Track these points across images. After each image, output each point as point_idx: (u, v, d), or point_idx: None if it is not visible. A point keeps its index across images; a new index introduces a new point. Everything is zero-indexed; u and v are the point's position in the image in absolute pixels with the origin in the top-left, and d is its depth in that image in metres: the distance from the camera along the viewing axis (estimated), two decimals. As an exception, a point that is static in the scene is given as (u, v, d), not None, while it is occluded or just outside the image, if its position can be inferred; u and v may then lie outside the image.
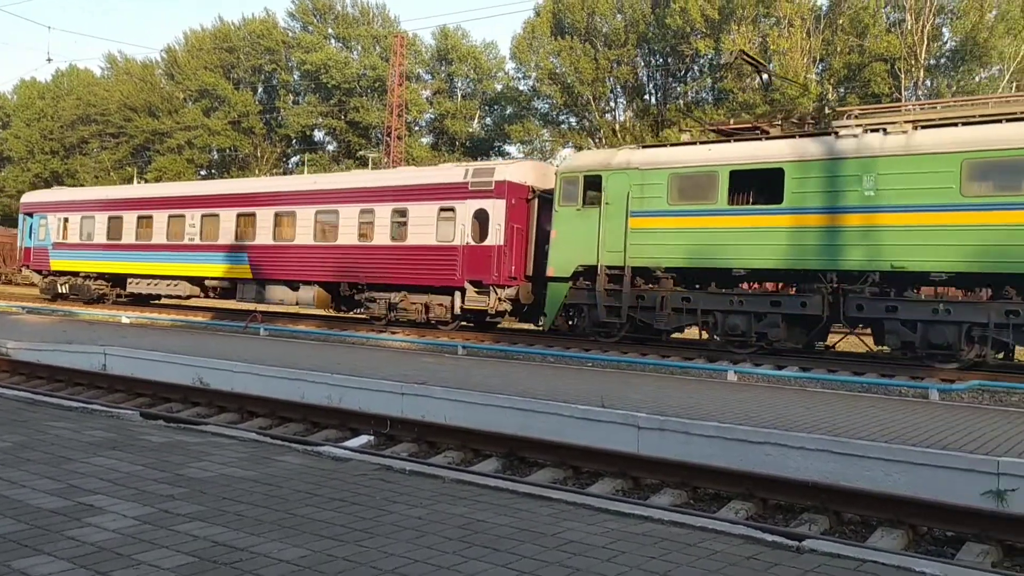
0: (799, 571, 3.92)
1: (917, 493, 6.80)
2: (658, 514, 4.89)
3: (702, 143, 17.20)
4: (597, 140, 47.06)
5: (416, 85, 56.55)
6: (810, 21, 37.25)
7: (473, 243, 19.52)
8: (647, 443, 8.45)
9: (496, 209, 19.22)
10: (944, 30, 36.35)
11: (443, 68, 57.51)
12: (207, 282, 25.25)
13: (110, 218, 27.79)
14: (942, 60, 36.43)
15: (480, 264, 19.30)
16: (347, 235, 21.79)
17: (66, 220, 29.25)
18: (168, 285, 26.39)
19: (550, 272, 18.04)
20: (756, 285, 17.22)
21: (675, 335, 18.08)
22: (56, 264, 29.60)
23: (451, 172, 20.88)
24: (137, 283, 27.38)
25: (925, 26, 34.70)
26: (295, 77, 60.94)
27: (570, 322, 18.59)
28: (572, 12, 44.86)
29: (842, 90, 38.02)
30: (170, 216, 26.13)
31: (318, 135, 62.85)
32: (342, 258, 21.77)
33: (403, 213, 20.81)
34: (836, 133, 15.19)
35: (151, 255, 26.43)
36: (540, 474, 8.04)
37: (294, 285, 22.89)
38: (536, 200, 19.63)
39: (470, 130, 55.40)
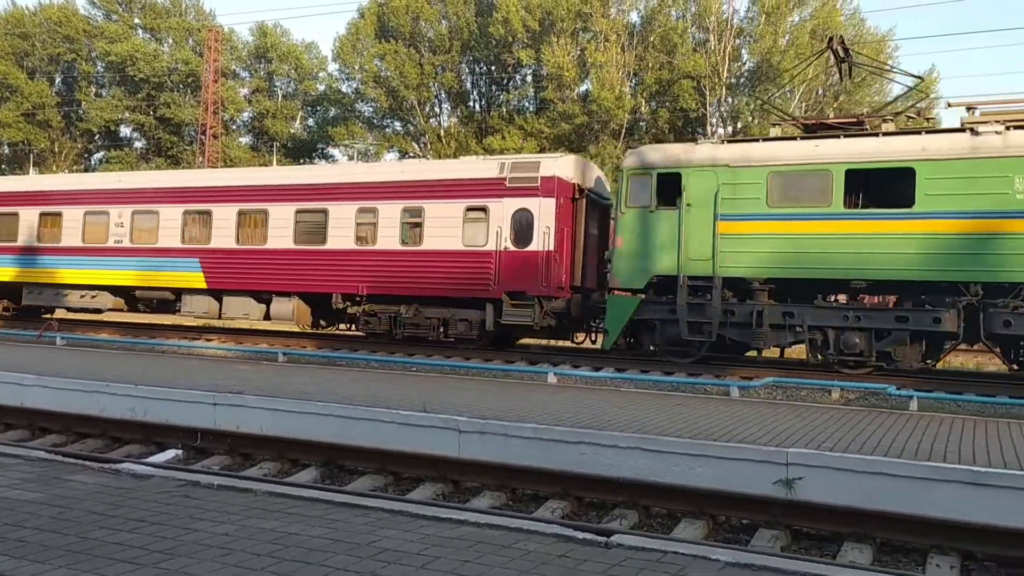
0: (606, 565, 4.07)
1: (718, 485, 7.24)
2: (474, 517, 4.93)
3: (804, 138, 15.10)
4: (422, 145, 47.12)
5: (233, 83, 54.38)
6: (624, 37, 39.02)
7: (513, 248, 17.04)
8: (468, 446, 8.51)
9: (543, 209, 16.87)
10: (743, 52, 39.18)
11: (262, 66, 55.66)
12: (139, 293, 21.57)
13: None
14: (741, 79, 39.22)
15: (522, 272, 16.87)
16: (340, 238, 18.70)
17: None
18: (82, 296, 22.30)
19: (614, 283, 15.99)
20: (864, 298, 15.33)
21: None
22: None
23: (480, 166, 18.14)
24: (38, 293, 23.00)
25: (727, 47, 37.27)
26: (98, 68, 56.97)
27: (629, 340, 16.52)
28: (397, 16, 44.68)
29: (654, 104, 40.06)
30: (87, 213, 22.01)
31: (124, 131, 59.04)
32: (334, 265, 18.70)
33: (417, 212, 17.96)
34: (973, 130, 13.55)
35: (59, 260, 22.30)
36: (360, 482, 7.92)
37: (262, 296, 19.76)
38: (584, 200, 17.68)
39: (291, 131, 53.92)
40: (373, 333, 18.68)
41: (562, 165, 17.29)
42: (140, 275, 21.07)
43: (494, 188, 17.30)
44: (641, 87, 39.75)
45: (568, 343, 19.05)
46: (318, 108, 54.71)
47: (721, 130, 39.29)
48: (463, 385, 12.58)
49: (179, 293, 20.81)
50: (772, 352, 17.40)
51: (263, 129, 54.30)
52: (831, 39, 16.70)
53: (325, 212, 18.86)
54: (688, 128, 39.85)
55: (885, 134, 14.37)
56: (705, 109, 37.72)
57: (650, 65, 39.02)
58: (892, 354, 14.00)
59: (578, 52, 39.66)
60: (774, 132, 15.85)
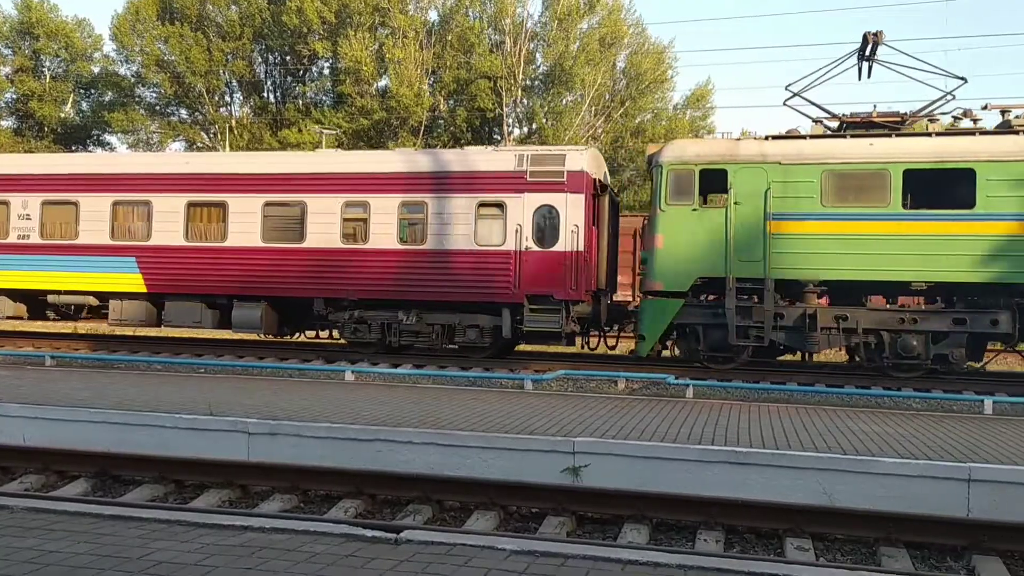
0: (395, 561, 4.06)
1: (510, 476, 7.44)
2: (259, 522, 4.77)
3: (854, 136, 14.62)
4: (211, 135, 44.82)
5: (-8, 60, 49.17)
6: (423, 35, 39.08)
7: (536, 248, 15.82)
8: (258, 449, 8.21)
9: (571, 206, 15.73)
10: (537, 55, 40.38)
11: (27, 43, 50.74)
12: (52, 298, 18.41)
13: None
14: (536, 82, 40.42)
15: (547, 274, 15.69)
16: (323, 235, 16.70)
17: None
18: None
19: (653, 285, 14.86)
20: (908, 301, 15.09)
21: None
22: None
23: (494, 157, 16.58)
24: None
25: (522, 50, 38.27)
26: None
27: (664, 345, 15.61)
28: (182, -3, 42.21)
29: (452, 102, 40.42)
30: None
31: None
32: (315, 265, 16.64)
33: (418, 208, 16.33)
34: None
35: None
36: (136, 492, 7.43)
37: (214, 301, 17.24)
38: (607, 196, 16.79)
39: (62, 115, 49.57)
40: (361, 343, 16.83)
41: (587, 158, 16.21)
42: (53, 276, 17.89)
43: (512, 182, 16.01)
44: (440, 85, 39.96)
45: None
46: (92, 91, 50.65)
47: (517, 130, 40.30)
48: (255, 385, 12.12)
49: (105, 298, 17.86)
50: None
51: (28, 112, 49.56)
52: (875, 34, 15.41)
53: (303, 205, 16.78)
54: (485, 128, 40.53)
55: (938, 134, 14.24)
56: (502, 110, 38.54)
57: (448, 64, 39.31)
58: (949, 356, 13.88)
59: (376, 47, 39.29)
60: (815, 129, 15.18)
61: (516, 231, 15.85)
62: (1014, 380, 14.73)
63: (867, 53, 15.77)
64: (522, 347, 19.10)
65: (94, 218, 17.74)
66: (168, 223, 17.36)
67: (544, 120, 38.25)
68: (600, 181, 16.46)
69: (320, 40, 40.42)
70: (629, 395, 12.61)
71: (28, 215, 18.17)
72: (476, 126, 39.84)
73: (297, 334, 18.68)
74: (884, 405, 12.15)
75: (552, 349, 18.03)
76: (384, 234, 16.41)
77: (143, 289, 17.36)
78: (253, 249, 16.92)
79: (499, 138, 39.33)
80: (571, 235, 15.65)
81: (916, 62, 15.06)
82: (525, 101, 39.79)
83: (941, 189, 13.91)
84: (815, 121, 15.34)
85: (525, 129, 40.49)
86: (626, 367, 15.25)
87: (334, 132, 33.04)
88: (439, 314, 16.29)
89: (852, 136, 14.59)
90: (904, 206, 13.80)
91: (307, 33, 40.76)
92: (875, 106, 15.43)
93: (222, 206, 17.15)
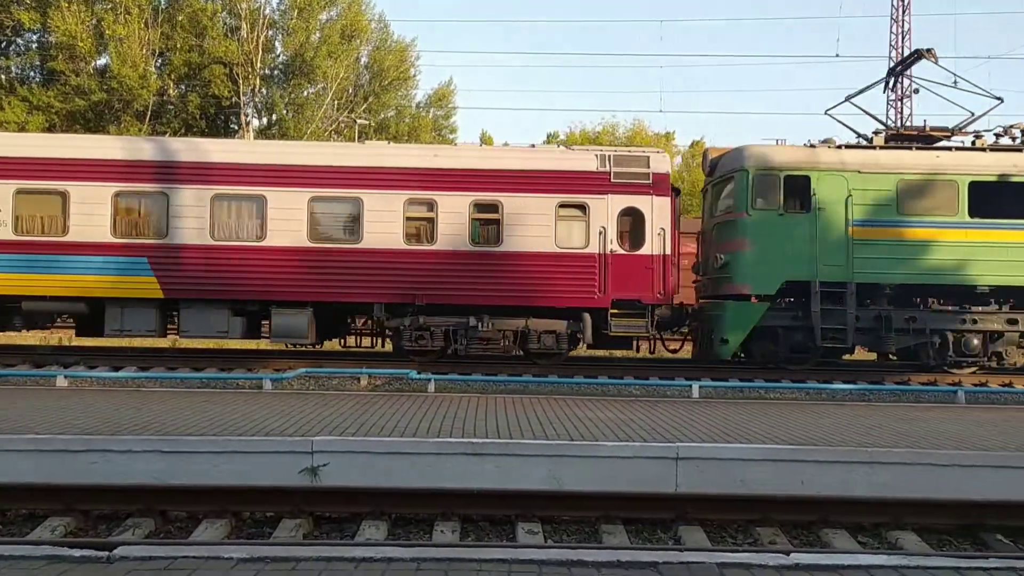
0: (107, 582, 3.74)
1: (242, 481, 7.12)
2: (-60, 552, 4.19)
3: (919, 148, 15.72)
4: None
5: None
6: (148, 12, 36.34)
7: (621, 251, 15.47)
8: (-56, 469, 7.21)
9: (657, 208, 15.55)
10: (277, 44, 39.03)
11: None
12: (28, 305, 15.20)
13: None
14: (275, 72, 39.06)
15: (634, 278, 15.38)
16: (383, 234, 15.27)
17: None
18: None
19: (743, 289, 15.21)
20: (933, 302, 15.94)
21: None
22: None
23: (575, 157, 15.91)
24: None
25: (260, 37, 36.79)
26: None
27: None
28: None
29: (183, 87, 38.00)
30: None
31: None
32: (374, 268, 15.25)
33: (492, 208, 15.44)
34: None
35: None
36: None
37: (245, 308, 15.31)
38: (679, 198, 16.33)
39: None
40: (423, 351, 15.59)
41: (668, 161, 16.29)
42: (38, 280, 14.95)
43: (595, 183, 15.58)
44: (169, 68, 37.39)
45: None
46: None
47: (256, 121, 38.72)
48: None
49: (102, 304, 15.22)
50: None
51: None
52: (925, 52, 17.02)
53: (358, 202, 15.38)
54: (221, 117, 38.53)
55: (994, 149, 15.80)
56: (239, 98, 36.83)
57: (179, 46, 36.88)
58: (1003, 354, 15.26)
59: (94, 22, 35.95)
60: (877, 140, 16.19)
61: (600, 233, 15.52)
62: (713, 367, 16.44)
63: (902, 68, 17.47)
64: (263, 345, 18.39)
65: (92, 212, 15.09)
66: (191, 218, 15.20)
67: (285, 111, 37.05)
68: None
69: (27, 10, 36.31)
70: (372, 392, 12.55)
71: None
72: (211, 114, 37.75)
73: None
74: (609, 392, 13.05)
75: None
76: (454, 234, 15.47)
77: (158, 294, 15.14)
78: (298, 249, 15.28)
79: (236, 128, 37.58)
80: (657, 238, 15.56)
81: (955, 80, 16.83)
82: (264, 91, 38.30)
83: (1003, 200, 15.25)
84: (874, 133, 16.55)
85: (264, 120, 38.99)
86: (370, 364, 15.16)
87: None
88: (508, 319, 15.60)
89: (918, 148, 15.82)
90: (970, 215, 15.13)
91: (10, 3, 36.47)
92: (925, 121, 17.26)
93: (260, 200, 15.33)
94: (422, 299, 15.34)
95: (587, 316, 15.53)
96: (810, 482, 7.24)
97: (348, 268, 15.34)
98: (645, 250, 15.55)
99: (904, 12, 34.35)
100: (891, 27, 34.58)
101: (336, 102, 38.77)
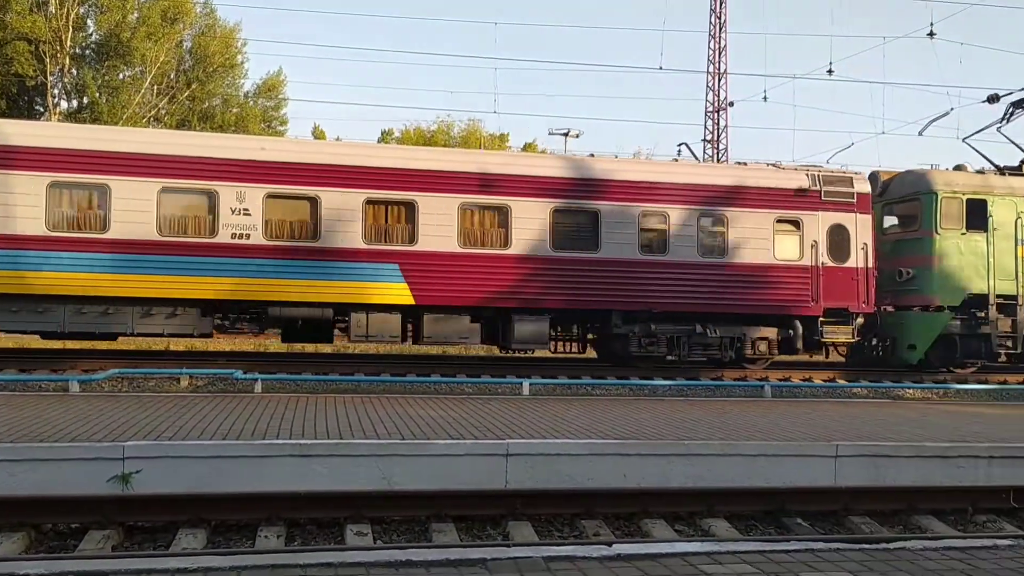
0: None
1: (43, 491, 6.58)
2: None
3: None
4: None
5: None
6: (-60, -20, 32.98)
7: (830, 263, 16.74)
8: None
9: (860, 225, 17.00)
10: (89, 22, 36.40)
11: None
12: (275, 311, 14.89)
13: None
14: (88, 51, 36.42)
15: (842, 289, 16.74)
16: (620, 244, 15.89)
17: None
18: (147, 315, 14.45)
19: (931, 300, 17.05)
20: None
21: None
22: None
23: (786, 175, 17.01)
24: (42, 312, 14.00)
25: (70, 13, 34.17)
26: None
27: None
28: None
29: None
30: (163, 190, 14.31)
31: None
32: (611, 277, 15.83)
33: (719, 221, 16.44)
34: None
35: (101, 260, 14.02)
36: None
37: (478, 314, 15.62)
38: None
39: None
40: (648, 356, 16.28)
41: (867, 183, 17.58)
42: (279, 284, 14.63)
43: (807, 201, 16.80)
44: (-36, 42, 34.09)
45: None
46: None
47: (64, 103, 36.00)
48: None
49: (347, 310, 15.12)
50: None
51: None
52: None
53: (596, 214, 15.86)
54: (24, 97, 35.52)
55: None
56: (46, 78, 34.08)
57: (-24, 19, 33.70)
58: None
59: None
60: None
61: (812, 247, 16.70)
62: (545, 363, 16.84)
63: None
64: (71, 345, 17.19)
65: (340, 217, 14.94)
66: (438, 226, 15.31)
67: (98, 95, 34.61)
68: None
69: None
70: (193, 393, 11.96)
71: (244, 209, 14.61)
72: (13, 94, 34.73)
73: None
74: (442, 390, 13.08)
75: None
76: (684, 246, 16.19)
77: (409, 300, 15.18)
78: (541, 258, 15.66)
79: (42, 110, 34.79)
80: (860, 252, 16.93)
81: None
82: (75, 71, 35.65)
83: None
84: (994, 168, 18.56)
85: (75, 103, 36.31)
86: (190, 363, 14.44)
87: None
88: (725, 326, 16.41)
89: None
90: None
91: None
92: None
93: (503, 211, 15.61)
94: (657, 307, 16.12)
95: (798, 323, 16.74)
96: (631, 474, 7.54)
97: (588, 277, 15.87)
98: (850, 263, 16.95)
99: (721, 30, 36.48)
100: (709, 43, 36.65)
101: (156, 87, 36.63)
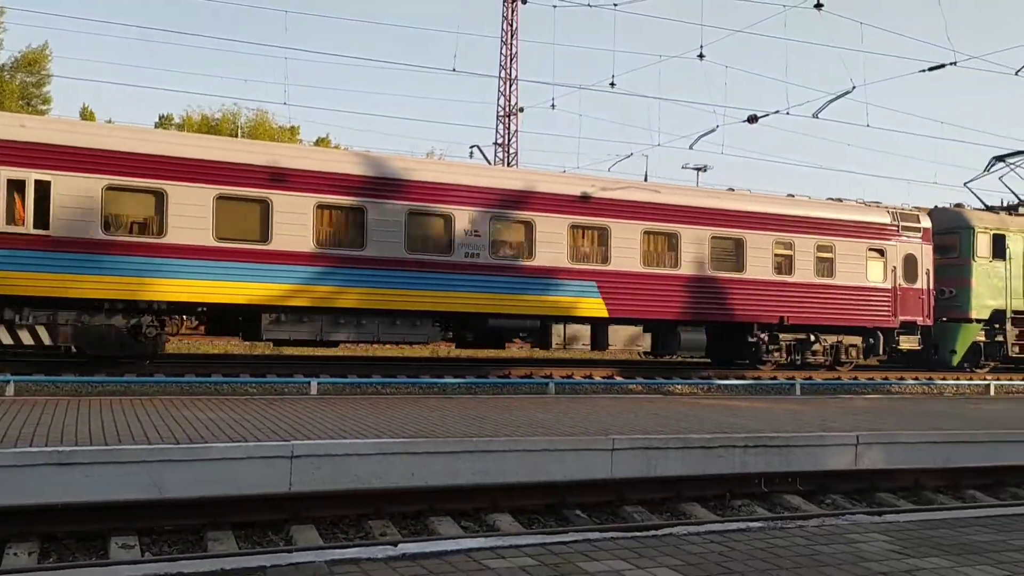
0: None
1: None
2: None
3: None
4: None
5: None
6: None
7: (905, 285, 20.58)
8: None
9: (924, 254, 20.96)
10: None
11: None
12: (495, 322, 16.68)
13: (219, 198, 14.66)
14: None
15: (912, 306, 20.62)
16: (759, 267, 19.12)
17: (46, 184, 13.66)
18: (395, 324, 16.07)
19: (969, 315, 21.27)
20: None
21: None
22: None
23: (875, 212, 21.01)
24: (291, 321, 15.30)
25: None
26: None
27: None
28: None
29: None
30: (410, 213, 16.11)
31: None
32: (752, 294, 18.98)
33: (828, 249, 20.02)
34: None
35: (352, 275, 15.49)
36: None
37: (649, 325, 18.42)
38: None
39: None
40: (773, 361, 19.73)
41: (929, 220, 21.48)
42: (499, 298, 16.46)
43: (888, 233, 20.63)
44: None
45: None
46: None
47: None
48: None
49: (550, 321, 17.28)
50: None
51: None
52: None
53: (743, 241, 18.95)
54: None
55: None
56: None
57: None
58: None
59: None
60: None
61: (892, 271, 20.64)
62: (333, 362, 16.54)
63: None
64: None
65: (548, 237, 17.12)
66: (626, 249, 17.70)
67: None
68: None
69: None
70: (-72, 397, 10.64)
71: (476, 232, 16.60)
72: None
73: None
74: (223, 391, 12.48)
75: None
76: (805, 268, 19.63)
77: (605, 313, 17.46)
78: (702, 277, 18.34)
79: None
80: (925, 276, 21.07)
81: None
82: None
83: None
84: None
85: None
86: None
87: None
88: (827, 335, 20.07)
89: None
90: None
91: None
92: None
93: (674, 236, 18.29)
94: (788, 319, 19.38)
95: (880, 333, 20.60)
96: (419, 473, 7.55)
97: (736, 294, 18.86)
98: (918, 285, 21.04)
99: (512, 37, 37.42)
100: (501, 49, 37.50)
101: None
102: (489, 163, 37.51)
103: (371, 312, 15.81)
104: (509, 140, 37.44)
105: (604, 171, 25.82)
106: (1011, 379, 20.34)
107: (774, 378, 18.88)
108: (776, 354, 19.60)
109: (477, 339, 17.66)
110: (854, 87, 20.44)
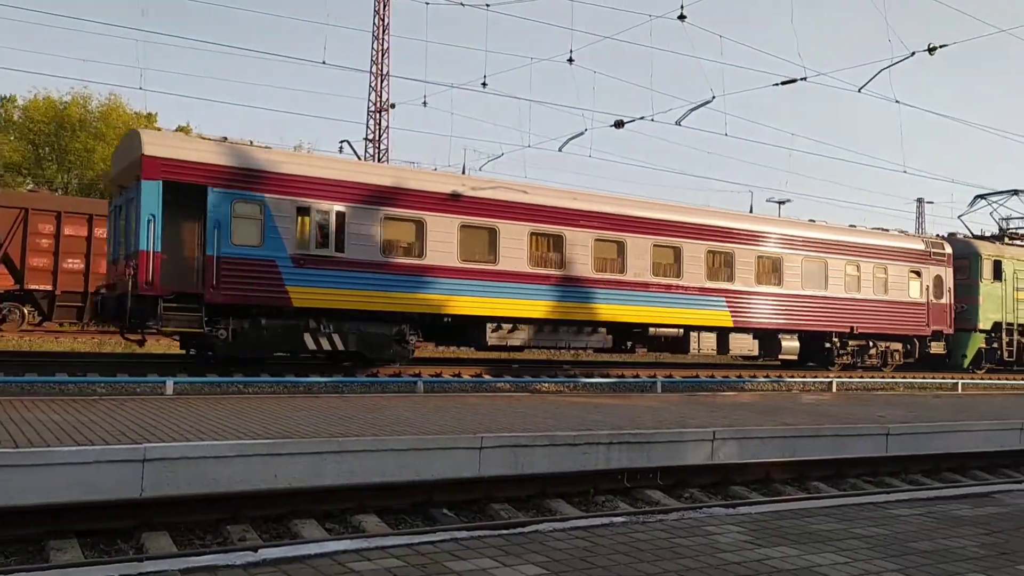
0: None
1: None
2: None
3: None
4: None
5: None
6: None
7: (935, 301, 25.54)
8: None
9: (947, 275, 26.09)
10: None
11: None
12: (653, 330, 20.51)
13: (462, 227, 17.98)
14: None
15: (939, 318, 25.70)
16: (836, 286, 23.51)
17: (324, 215, 16.53)
18: (592, 333, 19.78)
19: (977, 326, 26.84)
20: None
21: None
22: (300, 296, 16.05)
23: (914, 240, 26.49)
24: (508, 329, 18.52)
25: None
26: None
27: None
28: None
29: None
30: (596, 240, 19.64)
31: None
32: (832, 307, 23.39)
33: (884, 270, 24.63)
34: None
35: (564, 292, 19.01)
36: None
37: (755, 333, 22.32)
38: None
39: None
40: (843, 364, 24.23)
41: (950, 247, 26.29)
42: (657, 311, 20.30)
43: (922, 258, 25.48)
44: None
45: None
46: None
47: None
48: None
49: (691, 330, 20.95)
50: None
51: None
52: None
53: (825, 264, 23.42)
54: None
55: None
56: None
57: None
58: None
59: None
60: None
61: (926, 289, 25.25)
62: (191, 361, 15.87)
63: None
64: None
65: (694, 262, 20.90)
66: (746, 270, 21.83)
67: None
68: None
69: None
70: None
71: (641, 258, 20.06)
72: None
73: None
74: (69, 391, 11.76)
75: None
76: (868, 287, 24.13)
77: (730, 324, 21.53)
78: (797, 295, 22.65)
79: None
80: (948, 293, 25.93)
81: None
82: None
83: None
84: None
85: None
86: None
87: None
88: (879, 342, 24.70)
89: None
90: None
91: None
92: None
93: (778, 260, 22.56)
94: (856, 329, 23.88)
95: (916, 341, 25.43)
96: (282, 474, 7.33)
97: (820, 309, 23.19)
98: (943, 300, 25.84)
99: (385, 32, 37.00)
100: (372, 43, 37.00)
101: None
102: (359, 158, 37.03)
103: (564, 322, 19.11)
104: (380, 136, 37.01)
105: (476, 170, 25.79)
106: (850, 376, 21.78)
107: (636, 376, 19.50)
108: (844, 357, 24.00)
109: (634, 345, 21.21)
110: (714, 97, 21.06)
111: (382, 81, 36.89)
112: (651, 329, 20.25)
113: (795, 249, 22.82)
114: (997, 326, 27.26)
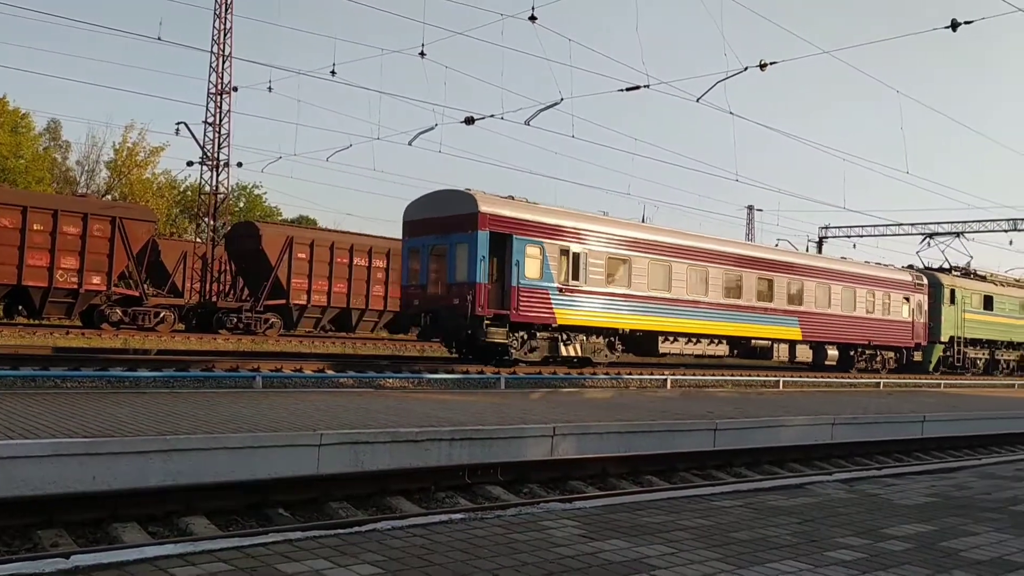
0: None
1: None
2: None
3: (985, 279, 39.72)
4: None
5: None
6: None
7: (919, 320, 33.97)
8: None
9: (923, 300, 34.44)
10: None
11: None
12: (753, 342, 27.49)
13: (650, 263, 24.98)
14: None
15: (920, 333, 34.14)
16: (860, 307, 31.21)
17: (575, 256, 22.49)
18: (712, 344, 26.51)
19: (940, 338, 35.33)
20: None
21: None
22: (561, 316, 22.07)
23: (905, 274, 34.72)
24: (671, 342, 25.26)
25: None
26: None
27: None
28: None
29: None
30: (728, 273, 26.66)
31: None
32: (861, 325, 31.24)
33: (888, 296, 32.56)
34: None
35: (694, 311, 25.51)
36: None
37: (817, 346, 29.58)
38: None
39: None
40: (860, 369, 32.01)
41: (926, 277, 35.54)
42: (756, 328, 27.13)
43: (910, 287, 33.98)
44: None
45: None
46: None
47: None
48: None
49: (775, 342, 27.91)
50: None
51: None
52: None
53: (854, 291, 31.04)
54: None
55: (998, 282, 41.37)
56: None
57: None
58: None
59: None
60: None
61: (912, 311, 33.71)
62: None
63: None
64: None
65: (780, 290, 28.06)
66: (811, 296, 29.22)
67: None
68: None
69: None
70: None
71: (744, 287, 26.84)
72: None
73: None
74: None
75: None
76: (879, 310, 32.26)
77: (799, 337, 28.79)
78: (838, 315, 30.35)
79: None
80: (924, 314, 34.51)
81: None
82: None
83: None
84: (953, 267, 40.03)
85: None
86: None
87: None
88: (883, 351, 33.01)
89: (986, 279, 39.69)
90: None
91: None
92: (969, 261, 40.26)
93: (827, 288, 30.01)
94: (872, 342, 31.85)
95: (904, 350, 33.44)
96: (103, 476, 6.89)
97: (851, 326, 30.75)
98: (922, 320, 34.09)
99: (227, 11, 35.47)
100: (214, 22, 35.41)
101: None
102: (198, 142, 35.38)
103: (704, 336, 25.51)
104: (221, 120, 35.46)
105: (323, 160, 25.31)
106: (684, 374, 22.84)
107: (481, 372, 19.66)
108: (860, 362, 31.68)
109: (740, 354, 27.47)
110: (562, 99, 21.64)
111: (223, 62, 35.33)
112: (753, 341, 27.12)
113: (838, 281, 30.49)
114: (952, 339, 35.90)
